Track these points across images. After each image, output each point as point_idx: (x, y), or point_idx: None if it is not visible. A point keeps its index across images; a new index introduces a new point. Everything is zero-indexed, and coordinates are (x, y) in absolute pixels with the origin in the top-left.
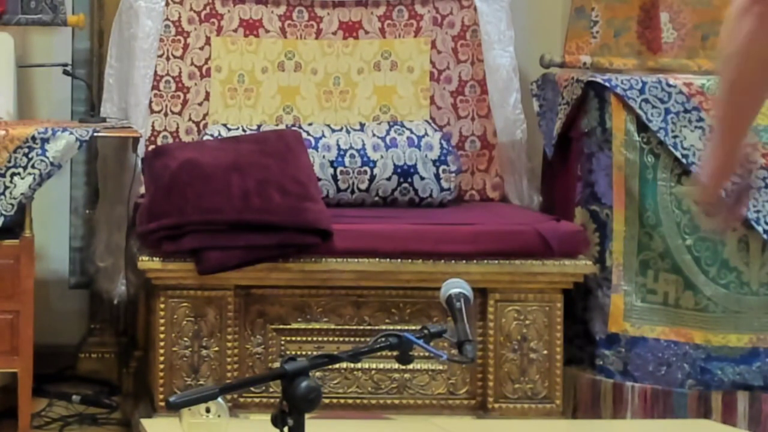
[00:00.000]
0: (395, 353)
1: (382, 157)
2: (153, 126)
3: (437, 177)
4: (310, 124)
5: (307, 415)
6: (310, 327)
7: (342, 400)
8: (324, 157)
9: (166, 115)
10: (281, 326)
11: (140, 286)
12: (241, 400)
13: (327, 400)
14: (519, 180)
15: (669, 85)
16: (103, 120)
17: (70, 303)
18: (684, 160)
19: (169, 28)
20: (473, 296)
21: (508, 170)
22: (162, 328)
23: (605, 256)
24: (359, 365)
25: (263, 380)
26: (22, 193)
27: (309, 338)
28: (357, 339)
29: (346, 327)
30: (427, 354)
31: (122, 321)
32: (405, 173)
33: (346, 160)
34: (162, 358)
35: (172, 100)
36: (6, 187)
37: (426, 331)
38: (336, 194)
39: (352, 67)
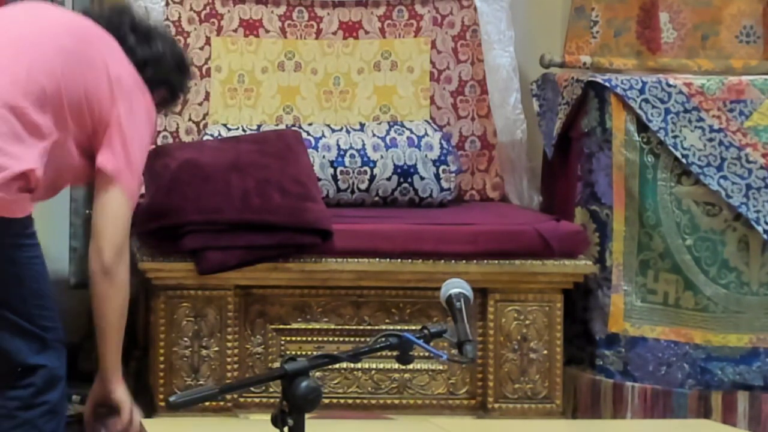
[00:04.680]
0: (395, 353)
1: (382, 157)
2: None
3: (437, 177)
4: (310, 124)
5: (307, 415)
6: (310, 327)
7: (342, 400)
8: (324, 157)
9: (166, 115)
10: (281, 326)
11: (140, 286)
12: (241, 400)
13: (327, 400)
14: (519, 180)
15: (669, 85)
16: None
17: (70, 303)
18: (684, 160)
19: (169, 28)
20: (473, 296)
21: (508, 170)
22: (162, 328)
23: (605, 256)
24: (359, 365)
25: (263, 380)
26: None
27: (309, 338)
28: (357, 339)
29: (346, 327)
30: (427, 354)
31: None
32: (405, 173)
33: (346, 160)
34: (162, 358)
35: None
36: None
37: (426, 331)
38: (336, 194)
39: (352, 67)
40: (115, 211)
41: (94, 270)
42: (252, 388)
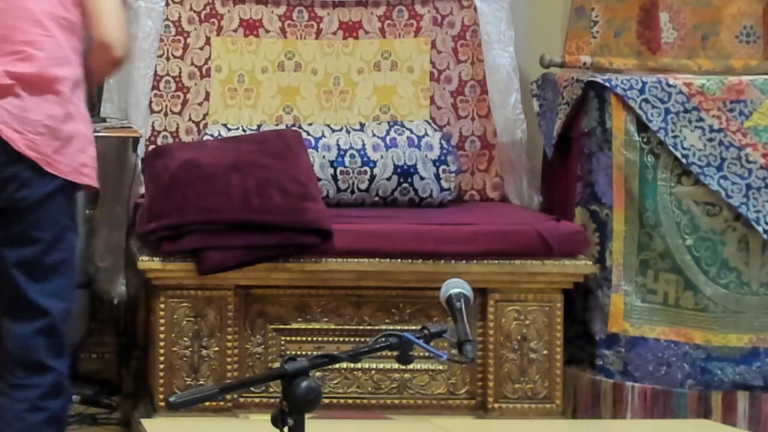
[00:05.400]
0: (395, 353)
1: (382, 157)
2: (153, 126)
3: (437, 177)
4: (310, 124)
5: (307, 415)
6: (310, 327)
7: (342, 400)
8: (324, 157)
9: (166, 115)
10: (281, 326)
11: (140, 286)
12: (241, 400)
13: (327, 400)
14: (519, 180)
15: (669, 85)
16: (103, 120)
17: None
18: (684, 160)
19: (169, 28)
20: (473, 296)
21: (508, 170)
22: (162, 328)
23: (605, 256)
24: (359, 365)
25: (263, 380)
26: None
27: (309, 338)
28: (357, 339)
29: (346, 327)
30: (427, 354)
31: (122, 321)
32: (405, 173)
33: (346, 160)
34: (162, 358)
35: (172, 100)
36: None
37: (426, 331)
38: (336, 194)
39: (352, 67)
40: (111, 4)
41: (102, 62)
42: (252, 388)
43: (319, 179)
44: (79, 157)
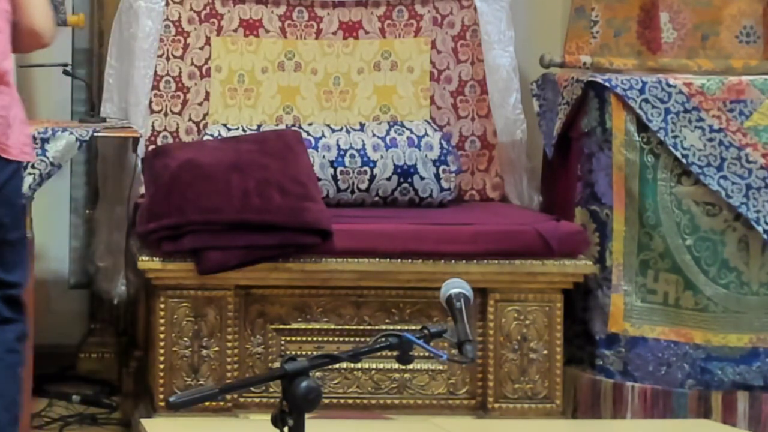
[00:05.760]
0: (395, 353)
1: (382, 157)
2: (153, 126)
3: (437, 177)
4: (310, 124)
5: (307, 415)
6: (310, 327)
7: (342, 400)
8: (324, 157)
9: (166, 115)
10: (281, 326)
11: (140, 286)
12: (241, 400)
13: (327, 400)
14: (519, 180)
15: (669, 85)
16: (103, 120)
17: (70, 303)
18: (684, 160)
19: (169, 28)
20: (473, 296)
21: (508, 170)
22: (162, 328)
23: (605, 256)
24: (359, 365)
25: (263, 380)
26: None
27: (309, 338)
28: (357, 339)
29: (346, 327)
30: (427, 354)
31: (122, 321)
32: (405, 173)
33: (346, 160)
34: (162, 358)
35: (172, 100)
36: None
37: (426, 331)
38: (336, 194)
39: (352, 67)
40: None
41: (29, 46)
42: (252, 388)
43: (319, 179)
44: (20, 137)
